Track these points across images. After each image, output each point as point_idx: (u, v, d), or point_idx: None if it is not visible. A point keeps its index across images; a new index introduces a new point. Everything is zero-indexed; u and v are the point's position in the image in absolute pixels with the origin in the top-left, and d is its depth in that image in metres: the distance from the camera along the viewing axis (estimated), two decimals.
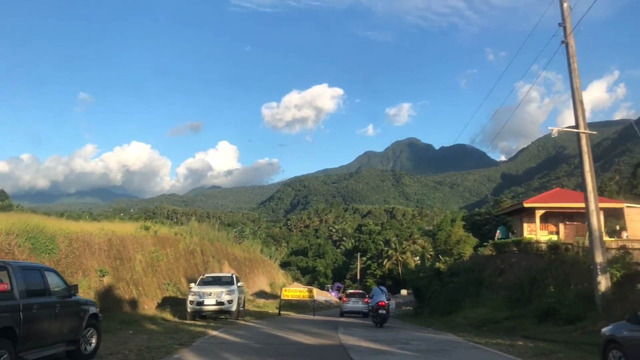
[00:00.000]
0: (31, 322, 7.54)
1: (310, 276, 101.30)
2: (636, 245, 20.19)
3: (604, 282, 13.99)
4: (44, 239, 16.58)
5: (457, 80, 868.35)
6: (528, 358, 10.81)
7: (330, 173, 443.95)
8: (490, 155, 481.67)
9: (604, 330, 9.08)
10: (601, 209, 27.88)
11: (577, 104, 14.43)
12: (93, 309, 9.72)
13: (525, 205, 27.81)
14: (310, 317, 29.13)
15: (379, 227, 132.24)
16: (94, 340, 9.62)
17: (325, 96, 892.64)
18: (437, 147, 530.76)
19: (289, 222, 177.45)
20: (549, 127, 15.18)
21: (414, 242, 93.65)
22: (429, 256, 69.94)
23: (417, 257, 79.14)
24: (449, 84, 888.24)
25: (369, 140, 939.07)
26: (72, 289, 9.11)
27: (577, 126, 14.38)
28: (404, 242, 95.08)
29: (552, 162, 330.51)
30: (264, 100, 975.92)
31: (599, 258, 14.02)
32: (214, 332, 14.49)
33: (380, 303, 19.44)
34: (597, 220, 14.17)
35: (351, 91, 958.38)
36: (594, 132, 15.11)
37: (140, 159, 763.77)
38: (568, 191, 38.90)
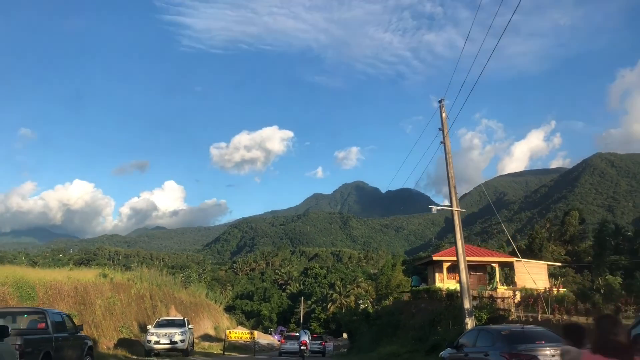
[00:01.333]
0: (58, 350, 11.32)
1: (255, 320, 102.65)
2: (515, 294, 25.47)
3: (470, 323, 18.69)
4: (27, 287, 19.85)
5: (403, 126, 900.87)
6: None
7: (278, 215, 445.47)
8: (434, 200, 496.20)
9: (440, 354, 13.71)
10: (498, 262, 33.73)
11: (451, 188, 19.62)
12: (90, 343, 13.50)
13: (435, 258, 33.08)
14: (251, 356, 32.60)
15: (325, 271, 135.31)
16: None
17: (275, 138, 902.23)
18: (383, 190, 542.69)
19: (234, 265, 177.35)
20: (429, 206, 20.22)
21: (358, 286, 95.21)
22: (371, 300, 73.89)
23: (360, 301, 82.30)
24: (396, 129, 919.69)
25: (318, 183, 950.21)
26: (78, 328, 12.91)
27: (451, 205, 19.48)
28: (348, 286, 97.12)
29: (492, 208, 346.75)
30: (213, 140, 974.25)
31: (466, 304, 18.80)
32: None
33: (302, 342, 25.25)
34: (465, 276, 19.01)
35: (301, 134, 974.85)
36: (463, 210, 20.22)
37: (82, 198, 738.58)
38: (471, 246, 44.79)
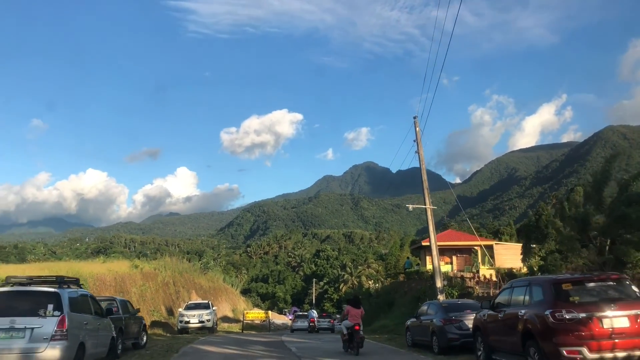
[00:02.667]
0: (126, 326, 15.83)
1: (270, 302, 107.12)
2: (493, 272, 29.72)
3: (441, 299, 22.99)
4: (82, 280, 24.47)
5: (413, 104, 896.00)
6: (381, 340, 19.67)
7: (289, 198, 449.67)
8: (445, 178, 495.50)
9: (406, 322, 18.06)
10: (479, 246, 37.85)
11: (424, 190, 23.80)
12: (144, 322, 18.09)
13: (424, 243, 37.38)
14: (267, 332, 37.42)
15: (336, 252, 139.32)
16: (145, 339, 17.96)
17: (284, 121, 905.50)
18: (394, 170, 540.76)
19: (249, 248, 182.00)
20: (406, 205, 24.38)
21: (369, 267, 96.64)
22: (381, 279, 77.57)
23: (372, 281, 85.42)
24: (405, 107, 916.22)
25: (328, 165, 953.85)
26: (136, 311, 17.44)
27: (425, 204, 23.67)
28: (359, 267, 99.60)
29: (504, 184, 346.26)
30: (223, 126, 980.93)
31: (438, 284, 23.10)
32: (203, 338, 22.84)
33: (311, 320, 30.82)
34: (437, 260, 23.27)
35: (310, 116, 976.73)
36: (434, 207, 24.35)
37: (96, 187, 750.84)
38: (457, 232, 49.07)
